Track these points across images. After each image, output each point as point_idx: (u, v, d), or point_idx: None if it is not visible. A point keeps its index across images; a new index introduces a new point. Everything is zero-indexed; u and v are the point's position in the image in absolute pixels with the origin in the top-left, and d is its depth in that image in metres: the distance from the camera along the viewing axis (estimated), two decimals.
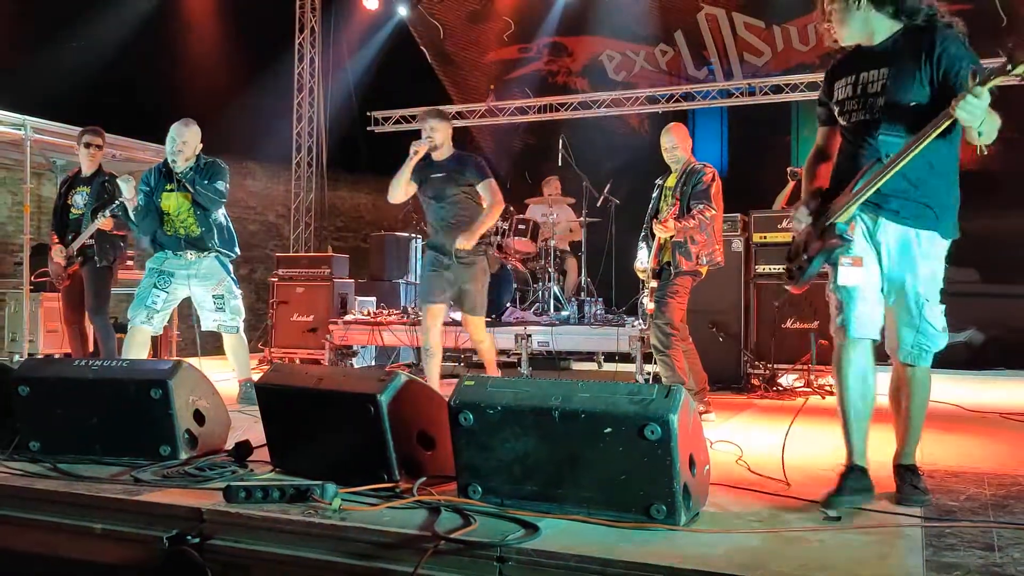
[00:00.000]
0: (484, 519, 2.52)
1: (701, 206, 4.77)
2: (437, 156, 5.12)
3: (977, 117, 2.49)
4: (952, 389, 6.33)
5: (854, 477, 2.82)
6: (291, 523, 2.53)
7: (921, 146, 2.66)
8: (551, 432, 2.56)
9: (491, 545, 2.27)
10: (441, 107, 5.15)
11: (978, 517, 2.65)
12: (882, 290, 2.92)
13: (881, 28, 2.86)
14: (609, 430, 2.48)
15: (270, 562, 2.50)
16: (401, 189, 5.11)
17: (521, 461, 2.62)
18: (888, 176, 2.74)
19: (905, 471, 2.91)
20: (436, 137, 5.07)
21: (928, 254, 2.84)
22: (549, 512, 2.55)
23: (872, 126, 2.84)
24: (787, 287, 3.14)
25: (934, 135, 2.62)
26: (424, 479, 2.82)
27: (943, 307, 2.90)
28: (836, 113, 3.00)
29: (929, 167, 2.79)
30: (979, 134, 2.57)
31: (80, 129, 6.07)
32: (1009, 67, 2.41)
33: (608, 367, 8.19)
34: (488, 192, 5.12)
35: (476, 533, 2.39)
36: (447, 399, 2.76)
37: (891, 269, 2.88)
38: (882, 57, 2.85)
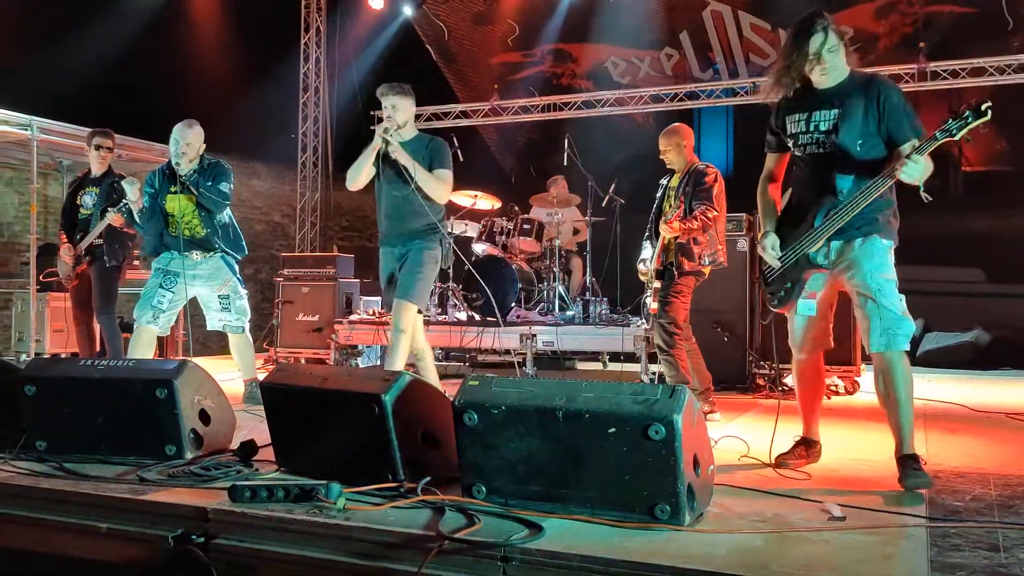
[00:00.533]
0: (488, 519, 2.52)
1: (703, 207, 4.76)
2: (399, 136, 4.63)
3: (917, 178, 2.98)
4: (957, 389, 6.33)
5: (805, 445, 3.50)
6: (296, 523, 2.54)
7: (873, 196, 3.08)
8: (555, 432, 2.56)
9: (495, 545, 2.27)
10: (405, 84, 4.71)
11: (983, 518, 2.65)
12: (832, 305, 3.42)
13: (837, 74, 3.26)
14: (613, 430, 2.48)
15: (275, 561, 2.50)
16: (362, 176, 4.69)
17: (525, 461, 2.63)
18: (847, 219, 3.16)
19: (907, 459, 3.05)
20: (398, 116, 4.62)
21: (871, 252, 3.18)
22: (553, 512, 2.55)
23: (825, 159, 3.24)
24: (772, 308, 3.48)
25: (884, 188, 3.07)
26: (428, 479, 2.82)
27: (902, 296, 3.16)
28: (790, 144, 3.38)
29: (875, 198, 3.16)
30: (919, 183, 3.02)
31: (89, 130, 6.09)
32: (954, 131, 2.92)
33: (613, 367, 8.20)
34: (443, 177, 4.65)
35: (480, 533, 2.39)
36: (452, 399, 2.76)
37: (844, 275, 3.24)
38: (834, 98, 3.24)
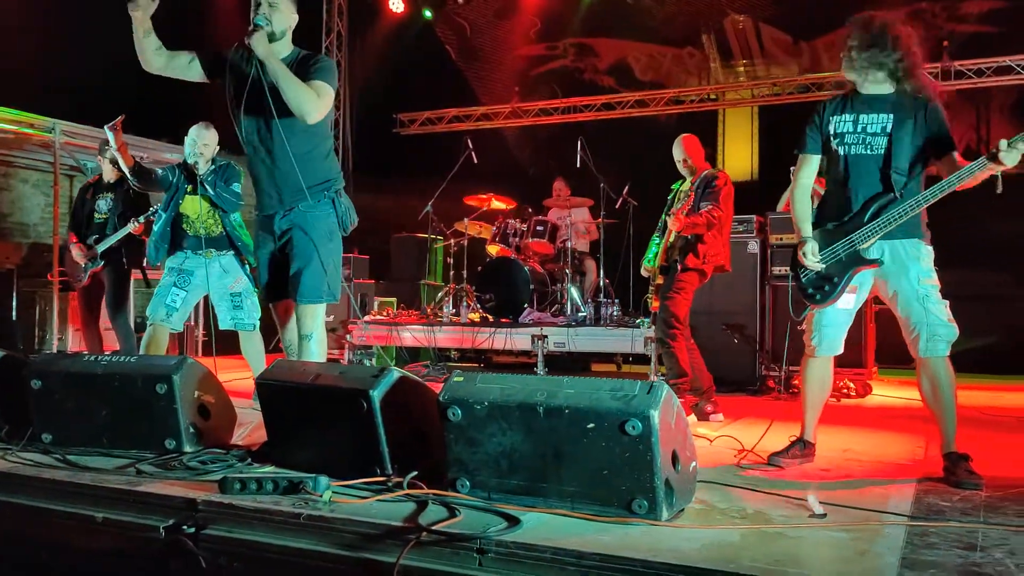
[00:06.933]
0: (470, 512, 2.55)
1: (710, 206, 4.80)
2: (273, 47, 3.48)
3: (1014, 163, 3.03)
4: (974, 394, 6.24)
5: (800, 446, 3.52)
6: (281, 514, 2.58)
7: (959, 183, 3.11)
8: (536, 427, 2.59)
9: (472, 537, 2.31)
10: None
11: (967, 518, 2.63)
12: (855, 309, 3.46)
13: (878, 84, 3.38)
14: (592, 425, 2.50)
15: (261, 551, 2.55)
16: (148, 54, 3.80)
17: (507, 456, 2.66)
18: (907, 217, 3.22)
19: (957, 458, 3.19)
20: (275, 18, 3.55)
21: (915, 256, 3.30)
22: (534, 506, 2.58)
23: (872, 160, 3.33)
24: (813, 305, 3.47)
25: (979, 171, 3.07)
26: (415, 473, 2.86)
27: (946, 302, 3.30)
28: (834, 144, 3.42)
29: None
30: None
31: (101, 140, 6.21)
32: None
33: (626, 368, 8.20)
34: (319, 90, 3.53)
35: (459, 525, 2.42)
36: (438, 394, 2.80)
37: (888, 279, 3.33)
38: (884, 105, 3.35)
